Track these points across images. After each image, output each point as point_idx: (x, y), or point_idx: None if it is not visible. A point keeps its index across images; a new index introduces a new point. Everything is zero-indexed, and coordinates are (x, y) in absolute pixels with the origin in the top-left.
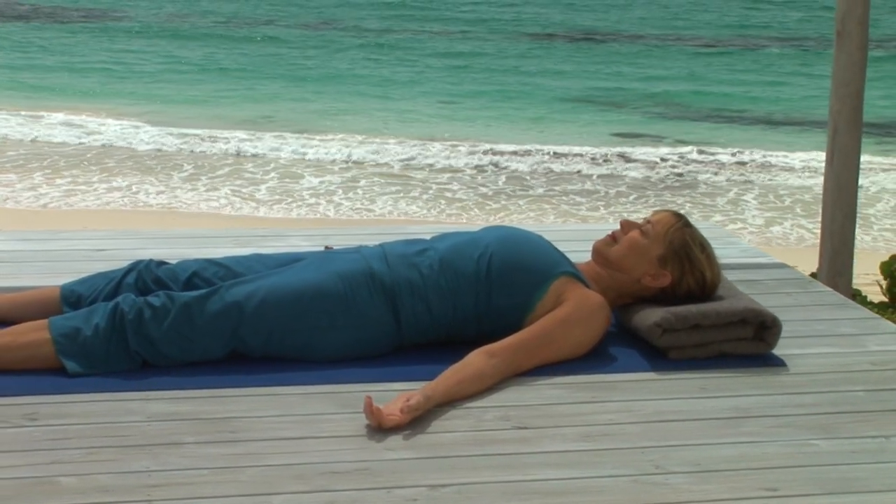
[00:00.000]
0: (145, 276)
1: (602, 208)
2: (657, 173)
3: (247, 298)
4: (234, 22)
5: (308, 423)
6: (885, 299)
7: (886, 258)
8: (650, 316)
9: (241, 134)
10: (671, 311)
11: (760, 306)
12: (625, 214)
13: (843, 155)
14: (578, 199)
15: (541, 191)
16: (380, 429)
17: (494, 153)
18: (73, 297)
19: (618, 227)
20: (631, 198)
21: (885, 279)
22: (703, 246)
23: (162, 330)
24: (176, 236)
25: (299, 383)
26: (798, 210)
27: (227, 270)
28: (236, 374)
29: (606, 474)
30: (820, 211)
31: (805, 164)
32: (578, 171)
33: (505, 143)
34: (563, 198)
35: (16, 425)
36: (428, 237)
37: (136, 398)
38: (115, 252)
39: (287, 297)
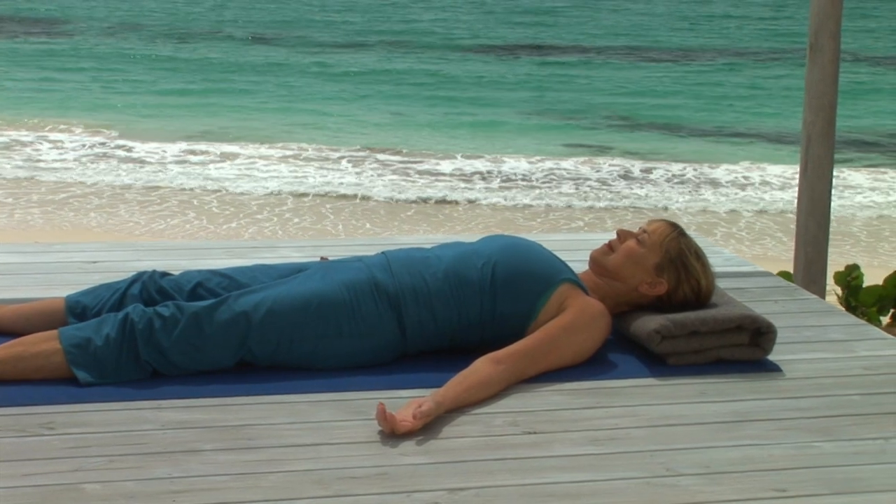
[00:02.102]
0: (150, 287)
1: (542, 215)
2: (598, 185)
3: (254, 308)
4: (180, 33)
5: (321, 430)
6: (843, 309)
7: (841, 268)
8: (649, 323)
9: (181, 147)
10: (670, 318)
11: (756, 313)
12: (560, 223)
13: (817, 166)
14: (520, 206)
15: (486, 201)
16: (393, 435)
17: (441, 165)
18: (78, 308)
19: (614, 236)
20: (572, 204)
21: (841, 289)
22: (698, 255)
23: (172, 339)
24: (169, 248)
25: (307, 391)
26: (723, 216)
27: (230, 281)
28: (245, 382)
29: (618, 477)
30: (747, 223)
31: (742, 174)
32: (523, 181)
33: (454, 153)
34: (504, 202)
35: (34, 434)
36: (427, 247)
37: (149, 407)
38: (109, 264)
39: (294, 306)
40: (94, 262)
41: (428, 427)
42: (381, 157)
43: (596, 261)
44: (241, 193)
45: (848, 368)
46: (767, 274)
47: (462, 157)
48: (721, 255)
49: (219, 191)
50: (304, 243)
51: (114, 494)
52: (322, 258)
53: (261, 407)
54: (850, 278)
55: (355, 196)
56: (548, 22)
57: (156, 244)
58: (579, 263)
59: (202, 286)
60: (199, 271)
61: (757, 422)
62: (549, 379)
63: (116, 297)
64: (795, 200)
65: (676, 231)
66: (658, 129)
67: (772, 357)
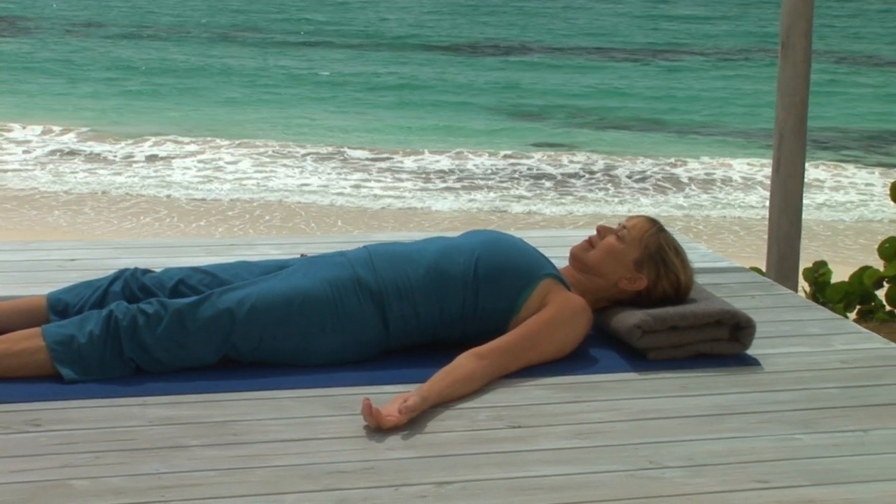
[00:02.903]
0: (131, 284)
1: (501, 212)
2: (559, 183)
3: (238, 305)
4: (144, 32)
5: (307, 426)
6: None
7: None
8: (629, 318)
9: (148, 146)
10: (650, 313)
11: (734, 308)
12: (519, 219)
13: (789, 163)
14: (480, 204)
15: (448, 199)
16: (379, 429)
17: (405, 162)
18: (59, 306)
19: (594, 232)
20: (534, 202)
21: (809, 285)
22: (677, 250)
23: (155, 336)
24: (147, 246)
25: (291, 387)
26: (684, 211)
27: (212, 278)
28: (229, 378)
29: (603, 469)
30: (706, 218)
31: (704, 171)
32: (482, 180)
33: (419, 151)
34: (465, 200)
35: (20, 431)
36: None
37: (134, 403)
38: (86, 262)
39: (277, 303)
40: (72, 259)
41: (413, 422)
42: (347, 153)
43: (576, 256)
44: (210, 192)
45: (825, 362)
46: (743, 269)
47: (428, 153)
48: (697, 250)
49: (187, 189)
50: (283, 241)
51: (102, 490)
52: (302, 255)
53: (245, 403)
54: (817, 275)
55: (323, 194)
56: (514, 21)
57: (133, 242)
58: (559, 260)
59: (184, 283)
60: (181, 268)
61: (738, 415)
62: (531, 374)
63: (98, 294)
64: (754, 196)
65: (656, 227)
66: (623, 128)
67: (750, 351)
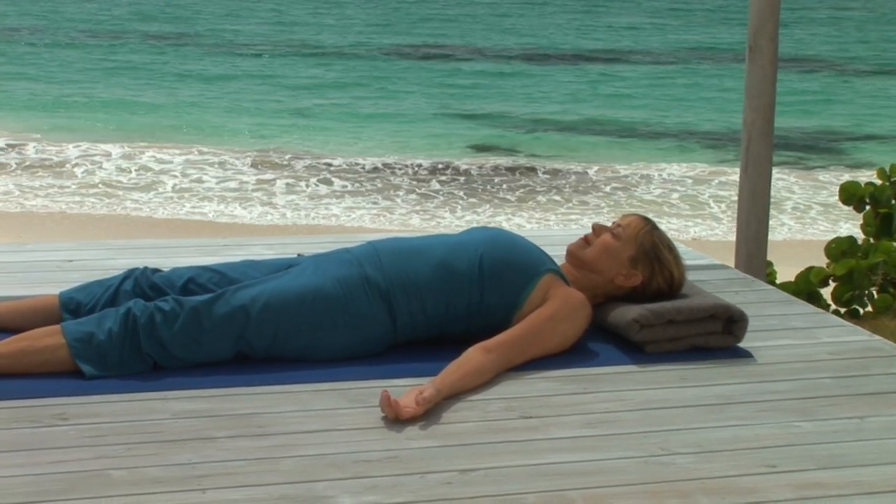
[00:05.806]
0: (142, 283)
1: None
2: (493, 183)
3: (252, 302)
4: (64, 37)
5: (326, 418)
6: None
7: None
8: (627, 313)
9: (82, 150)
10: (647, 307)
11: (727, 302)
12: (434, 210)
13: (757, 164)
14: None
15: (370, 200)
16: (396, 420)
17: (335, 162)
18: (72, 304)
19: (589, 230)
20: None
21: None
22: (671, 247)
23: (172, 333)
24: (142, 246)
25: (307, 381)
26: (618, 212)
27: (221, 276)
28: (244, 373)
29: (617, 456)
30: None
31: (641, 172)
32: (400, 178)
33: (356, 153)
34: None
35: (49, 425)
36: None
37: (155, 398)
38: (85, 262)
39: (290, 300)
40: (70, 260)
41: (428, 413)
42: (281, 157)
43: (573, 254)
44: (149, 199)
45: (815, 354)
46: (723, 266)
47: (356, 157)
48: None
49: (125, 194)
50: (274, 240)
51: (141, 480)
52: (298, 255)
53: (263, 397)
54: (768, 274)
55: (262, 201)
56: (456, 27)
57: (129, 243)
58: (556, 258)
59: (194, 281)
60: (189, 267)
61: (739, 404)
62: (536, 366)
63: (110, 293)
64: (681, 195)
65: (649, 225)
66: (563, 131)
67: (741, 344)
